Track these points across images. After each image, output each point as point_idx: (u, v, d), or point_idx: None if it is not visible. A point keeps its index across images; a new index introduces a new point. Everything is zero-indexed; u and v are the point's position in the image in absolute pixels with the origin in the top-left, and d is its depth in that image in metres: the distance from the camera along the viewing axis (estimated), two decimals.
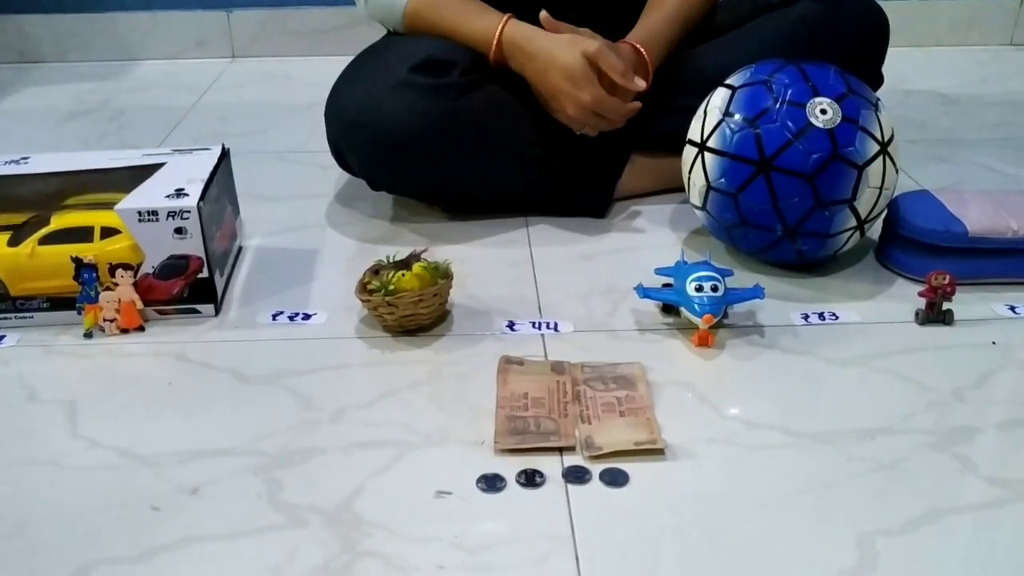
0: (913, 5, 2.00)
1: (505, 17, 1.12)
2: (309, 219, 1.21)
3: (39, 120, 1.64)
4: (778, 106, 0.97)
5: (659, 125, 1.18)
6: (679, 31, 1.20)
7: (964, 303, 0.97)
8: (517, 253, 1.12)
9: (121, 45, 1.95)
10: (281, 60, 1.94)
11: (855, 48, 1.16)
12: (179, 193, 0.94)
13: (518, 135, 1.14)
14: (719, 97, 1.02)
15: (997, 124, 1.58)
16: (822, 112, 0.95)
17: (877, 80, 1.22)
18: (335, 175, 1.29)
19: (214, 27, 1.94)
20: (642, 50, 1.14)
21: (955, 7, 2.02)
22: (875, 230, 1.07)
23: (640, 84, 1.10)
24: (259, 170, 1.36)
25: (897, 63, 1.90)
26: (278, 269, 1.08)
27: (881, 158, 0.97)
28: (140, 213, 0.92)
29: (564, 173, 1.18)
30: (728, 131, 0.99)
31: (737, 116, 0.99)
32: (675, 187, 1.17)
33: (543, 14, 1.10)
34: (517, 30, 1.11)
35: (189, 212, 0.91)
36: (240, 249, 1.12)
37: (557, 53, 1.08)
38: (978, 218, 1.01)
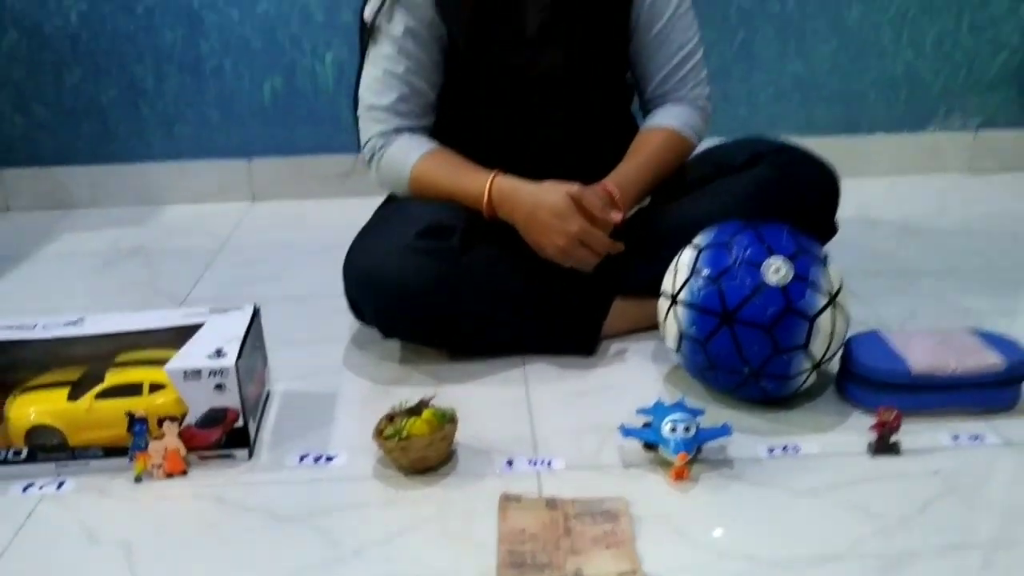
0: (878, 138, 2.19)
1: (492, 174, 1.29)
2: (327, 363, 1.35)
3: (79, 266, 1.80)
4: (738, 265, 1.12)
5: (638, 272, 1.33)
6: (650, 178, 1.37)
7: (911, 433, 1.10)
8: (514, 392, 1.25)
9: (150, 191, 2.13)
10: (297, 203, 2.12)
11: (809, 206, 1.32)
12: (219, 353, 1.08)
13: (513, 287, 1.29)
14: (687, 256, 1.17)
15: (953, 254, 1.73)
16: (776, 271, 1.10)
17: (831, 230, 1.38)
18: (349, 319, 1.42)
19: (235, 174, 2.13)
20: (614, 191, 1.30)
21: (916, 139, 2.20)
22: (835, 365, 1.20)
23: (616, 216, 1.26)
24: (281, 315, 1.48)
25: (863, 193, 2.08)
26: (302, 413, 1.21)
27: (830, 309, 1.11)
28: (186, 373, 1.05)
29: (555, 317, 1.33)
30: (695, 287, 1.13)
31: (703, 273, 1.14)
32: (655, 326, 1.30)
33: None
34: (504, 183, 1.28)
35: (228, 371, 1.05)
36: (268, 394, 1.25)
37: (543, 195, 1.25)
38: (921, 357, 1.14)
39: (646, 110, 1.46)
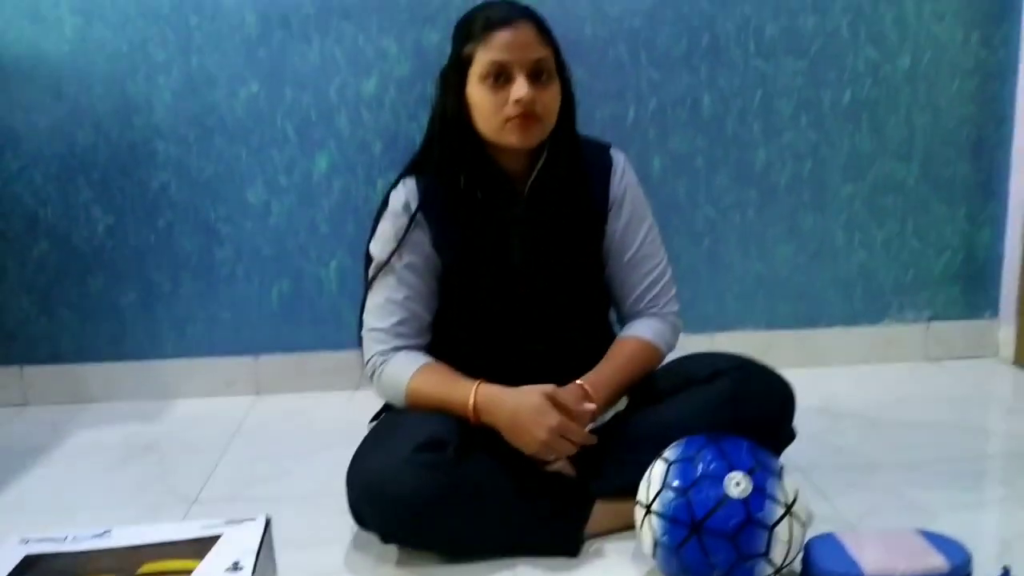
0: (837, 331, 2.37)
1: (475, 384, 1.44)
2: (330, 565, 1.45)
3: (94, 463, 1.91)
4: (703, 479, 1.25)
5: (616, 476, 1.46)
6: (622, 383, 1.52)
7: None
8: None
9: (161, 386, 2.27)
10: (299, 396, 2.26)
11: (766, 415, 1.47)
12: (236, 566, 1.18)
13: (503, 495, 1.42)
14: (659, 469, 1.31)
15: (911, 446, 1.86)
16: (736, 484, 1.24)
17: (789, 436, 1.53)
18: (349, 519, 1.52)
19: (242, 369, 2.28)
20: (588, 389, 1.46)
21: (873, 331, 2.38)
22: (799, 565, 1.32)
23: (590, 407, 1.41)
24: (286, 515, 1.58)
25: (826, 383, 2.23)
26: None
27: (787, 519, 1.24)
28: None
29: (542, 520, 1.44)
30: (667, 499, 1.27)
31: (673, 486, 1.27)
32: (633, 524, 1.42)
33: None
34: (486, 391, 1.44)
35: None
36: None
37: (522, 397, 1.40)
38: (872, 560, 1.26)
39: (622, 323, 1.63)
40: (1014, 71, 2.30)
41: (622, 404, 1.58)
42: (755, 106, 2.24)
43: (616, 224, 1.58)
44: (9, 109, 2.14)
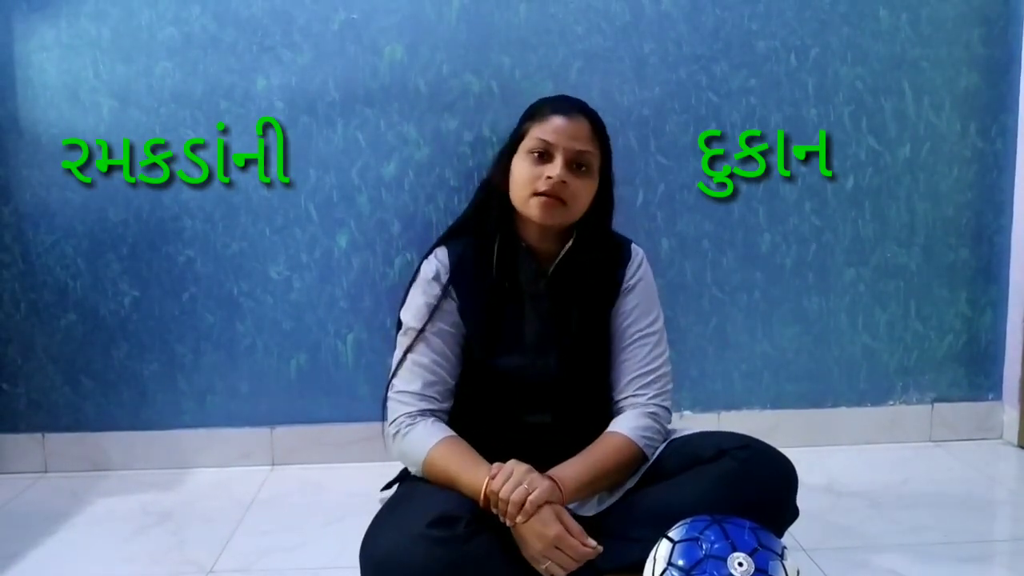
0: (842, 411, 2.41)
1: (489, 476, 1.47)
2: None
3: (110, 533, 1.95)
4: (707, 560, 1.29)
5: (621, 553, 1.50)
6: (596, 477, 1.53)
7: None
8: None
9: (179, 456, 2.32)
10: (314, 468, 2.30)
11: (770, 495, 1.51)
12: None
13: (509, 572, 1.45)
14: (664, 548, 1.35)
15: (914, 528, 1.89)
16: (739, 564, 1.28)
17: (792, 515, 1.56)
18: None
19: (258, 440, 2.33)
20: (558, 482, 1.46)
21: (878, 412, 2.42)
22: None
23: (592, 547, 1.42)
24: None
25: (831, 462, 2.27)
26: None
27: None
28: None
29: None
30: None
31: (678, 564, 1.31)
32: None
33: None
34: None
35: None
36: None
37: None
38: None
39: (614, 411, 1.67)
40: (1012, 161, 2.38)
41: (631, 482, 1.61)
42: (760, 191, 2.32)
43: (622, 308, 1.66)
44: (45, 186, 2.24)
